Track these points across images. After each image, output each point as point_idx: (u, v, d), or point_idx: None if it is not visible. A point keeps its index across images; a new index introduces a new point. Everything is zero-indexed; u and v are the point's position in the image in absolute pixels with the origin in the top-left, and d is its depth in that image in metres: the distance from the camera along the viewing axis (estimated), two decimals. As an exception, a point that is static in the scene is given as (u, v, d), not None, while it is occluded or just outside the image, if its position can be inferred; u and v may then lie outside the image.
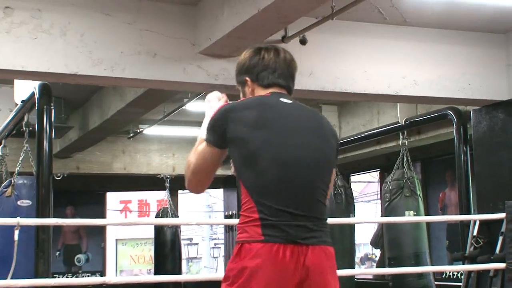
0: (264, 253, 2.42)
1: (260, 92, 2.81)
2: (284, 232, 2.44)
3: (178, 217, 13.24)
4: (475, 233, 7.03)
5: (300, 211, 2.50)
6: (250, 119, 2.58)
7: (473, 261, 6.76)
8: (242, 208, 2.60)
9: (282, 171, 2.53)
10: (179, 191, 14.34)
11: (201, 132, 2.81)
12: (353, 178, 12.82)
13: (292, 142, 2.60)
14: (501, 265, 5.87)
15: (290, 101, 2.75)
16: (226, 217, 14.39)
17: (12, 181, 7.22)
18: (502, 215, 5.95)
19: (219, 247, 15.89)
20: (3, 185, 7.45)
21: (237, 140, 2.56)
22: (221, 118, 2.62)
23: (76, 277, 13.29)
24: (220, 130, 2.59)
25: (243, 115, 2.60)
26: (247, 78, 2.83)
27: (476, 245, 6.92)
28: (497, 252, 6.36)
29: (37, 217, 6.09)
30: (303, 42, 6.51)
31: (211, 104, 2.88)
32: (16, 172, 7.37)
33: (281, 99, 2.73)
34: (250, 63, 2.85)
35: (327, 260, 2.53)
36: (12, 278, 4.55)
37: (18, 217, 4.84)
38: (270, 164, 2.53)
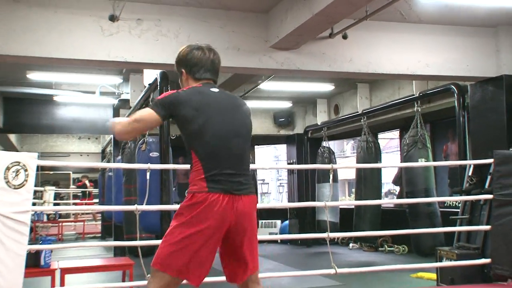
0: (208, 199, 2.70)
1: (192, 82, 3.04)
2: (223, 185, 2.74)
3: (254, 163, 13.17)
4: (470, 174, 7.16)
5: (234, 170, 2.79)
6: (194, 103, 2.82)
7: (468, 194, 6.91)
8: (192, 169, 2.84)
9: (221, 142, 2.81)
10: (255, 146, 14.47)
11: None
12: (380, 135, 12.89)
13: (224, 120, 2.86)
14: (489, 196, 6.03)
15: (217, 90, 2.97)
16: (288, 164, 14.58)
17: (145, 140, 7.65)
18: (490, 161, 6.09)
19: (283, 186, 15.98)
20: (139, 142, 7.85)
21: (186, 119, 2.82)
22: (172, 100, 2.87)
23: None
24: (170, 108, 2.85)
25: (189, 100, 2.84)
26: (183, 70, 3.08)
27: (470, 182, 7.06)
28: (486, 187, 6.51)
29: (162, 163, 6.57)
30: (344, 37, 6.82)
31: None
32: (147, 134, 7.70)
33: (211, 89, 2.96)
34: (186, 58, 3.05)
35: (252, 205, 2.83)
36: (146, 204, 4.84)
37: (149, 164, 5.20)
38: (212, 137, 2.80)
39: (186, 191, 2.86)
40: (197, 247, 2.70)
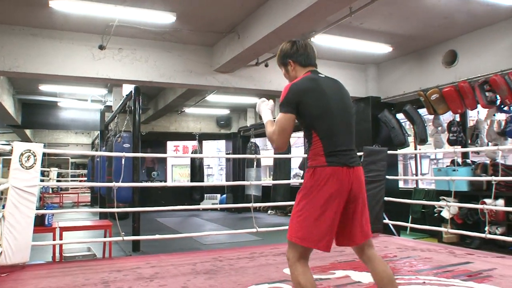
0: (329, 172, 2.25)
1: (300, 70, 2.51)
2: (340, 159, 2.27)
3: (202, 153, 13.40)
4: None
5: (347, 147, 2.32)
6: (311, 89, 2.33)
7: None
8: (311, 147, 2.36)
9: (336, 122, 2.33)
10: (203, 141, 14.22)
11: (266, 117, 2.54)
12: (292, 135, 13.30)
13: (337, 102, 2.37)
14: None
15: (323, 75, 2.47)
16: (226, 154, 14.54)
17: (120, 135, 7.52)
18: (361, 153, 5.91)
19: (223, 169, 15.80)
20: (116, 136, 7.73)
21: (307, 104, 2.31)
22: (294, 93, 2.33)
23: (152, 182, 13.73)
24: (296, 100, 2.32)
25: (307, 87, 2.34)
26: (290, 60, 2.53)
27: None
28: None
29: (133, 152, 6.45)
30: (266, 65, 7.01)
31: (262, 105, 2.65)
32: (123, 130, 7.64)
33: (319, 75, 2.45)
34: (291, 50, 2.53)
35: (362, 175, 2.36)
36: (122, 182, 4.75)
37: (124, 152, 5.07)
38: (330, 118, 2.32)
39: (306, 166, 2.40)
40: (324, 218, 2.23)
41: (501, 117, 6.10)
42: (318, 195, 2.24)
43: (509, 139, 5.96)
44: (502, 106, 5.85)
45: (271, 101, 2.65)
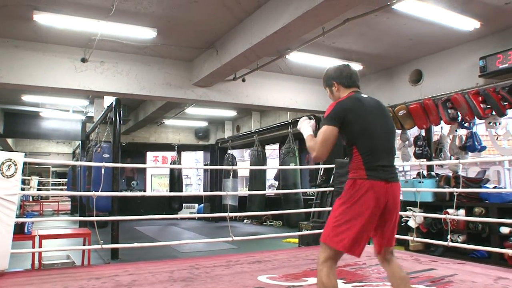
0: (368, 185, 2.29)
1: (344, 90, 2.55)
2: (379, 174, 2.31)
3: (181, 164, 13.53)
4: (321, 174, 7.51)
5: (386, 163, 2.36)
6: (355, 108, 2.37)
7: (319, 187, 7.20)
8: (352, 161, 2.40)
9: (377, 139, 2.37)
10: (182, 152, 14.21)
11: (306, 132, 2.57)
12: (266, 147, 12.84)
13: (378, 121, 2.41)
14: (332, 188, 6.26)
15: (366, 96, 2.51)
16: (204, 165, 14.49)
17: (101, 145, 7.46)
18: (333, 166, 6.28)
19: (201, 180, 15.64)
20: (96, 146, 7.65)
21: (350, 122, 2.35)
22: (340, 109, 2.37)
23: (131, 191, 13.45)
24: (341, 116, 2.35)
25: (352, 106, 2.38)
26: (334, 82, 2.58)
27: (321, 179, 7.41)
28: (331, 182, 6.78)
29: (113, 162, 6.42)
30: (243, 80, 7.05)
31: (304, 122, 2.66)
32: (103, 140, 7.61)
33: (362, 95, 2.49)
34: (336, 72, 2.58)
35: (399, 191, 2.40)
36: (101, 191, 4.87)
37: (103, 163, 5.24)
38: (371, 136, 2.36)
39: (347, 177, 2.43)
40: (359, 226, 2.27)
41: (462, 132, 6.28)
42: (356, 204, 2.29)
43: (470, 153, 6.15)
44: (463, 122, 6.05)
45: (312, 120, 2.72)
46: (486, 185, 5.73)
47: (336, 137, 2.38)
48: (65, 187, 18.10)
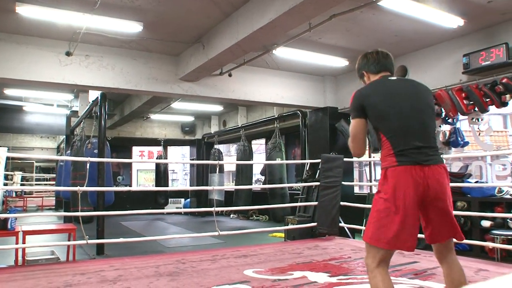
0: (400, 171, 2.13)
1: (373, 77, 2.46)
2: (411, 157, 2.14)
3: (167, 158, 13.37)
4: (307, 168, 7.48)
5: (421, 143, 2.18)
6: (374, 93, 2.28)
7: (305, 181, 7.16)
8: (382, 148, 2.28)
9: (404, 120, 2.22)
10: (168, 147, 14.14)
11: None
12: (253, 142, 12.61)
13: (405, 101, 2.26)
14: (318, 183, 6.18)
15: (395, 78, 2.39)
16: (191, 159, 14.29)
17: (90, 140, 7.44)
18: (319, 160, 6.20)
19: (187, 174, 15.63)
20: (86, 142, 7.63)
21: (370, 107, 2.25)
22: (357, 98, 2.30)
23: (117, 186, 13.24)
24: (360, 104, 2.27)
25: (370, 92, 2.29)
26: (364, 72, 2.52)
27: (307, 174, 7.39)
28: (316, 177, 6.73)
29: (99, 157, 6.26)
30: (230, 75, 7.00)
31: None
32: (91, 135, 7.52)
33: (389, 78, 2.38)
34: (363, 61, 2.52)
35: (441, 173, 2.18)
36: (86, 186, 4.79)
37: (89, 157, 5.12)
38: (394, 117, 2.22)
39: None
40: (400, 218, 2.08)
41: (446, 128, 6.36)
42: (391, 196, 2.12)
43: (453, 148, 6.23)
44: (447, 118, 6.13)
45: None
46: (469, 180, 5.81)
47: (366, 127, 2.29)
48: (50, 182, 17.85)
